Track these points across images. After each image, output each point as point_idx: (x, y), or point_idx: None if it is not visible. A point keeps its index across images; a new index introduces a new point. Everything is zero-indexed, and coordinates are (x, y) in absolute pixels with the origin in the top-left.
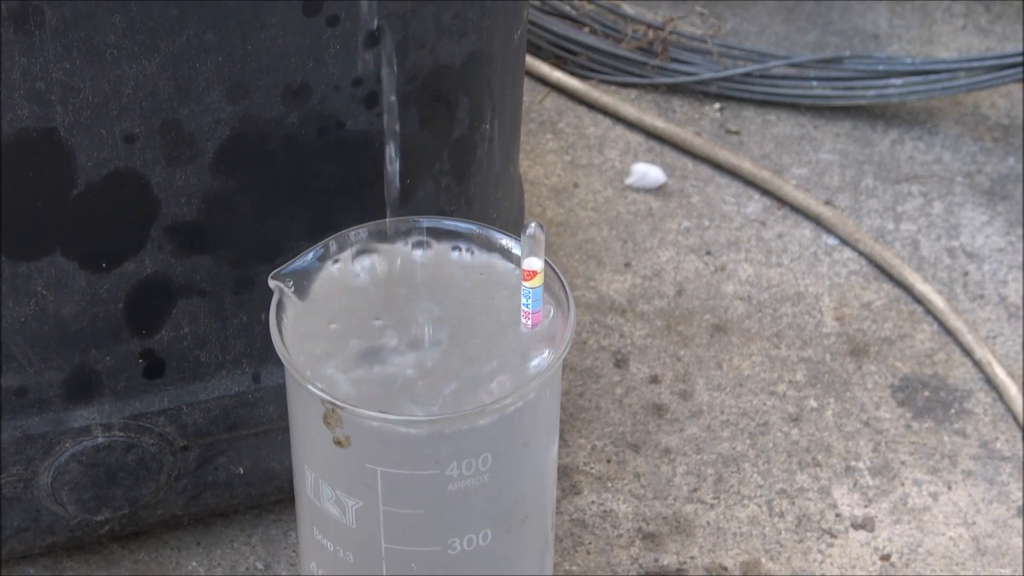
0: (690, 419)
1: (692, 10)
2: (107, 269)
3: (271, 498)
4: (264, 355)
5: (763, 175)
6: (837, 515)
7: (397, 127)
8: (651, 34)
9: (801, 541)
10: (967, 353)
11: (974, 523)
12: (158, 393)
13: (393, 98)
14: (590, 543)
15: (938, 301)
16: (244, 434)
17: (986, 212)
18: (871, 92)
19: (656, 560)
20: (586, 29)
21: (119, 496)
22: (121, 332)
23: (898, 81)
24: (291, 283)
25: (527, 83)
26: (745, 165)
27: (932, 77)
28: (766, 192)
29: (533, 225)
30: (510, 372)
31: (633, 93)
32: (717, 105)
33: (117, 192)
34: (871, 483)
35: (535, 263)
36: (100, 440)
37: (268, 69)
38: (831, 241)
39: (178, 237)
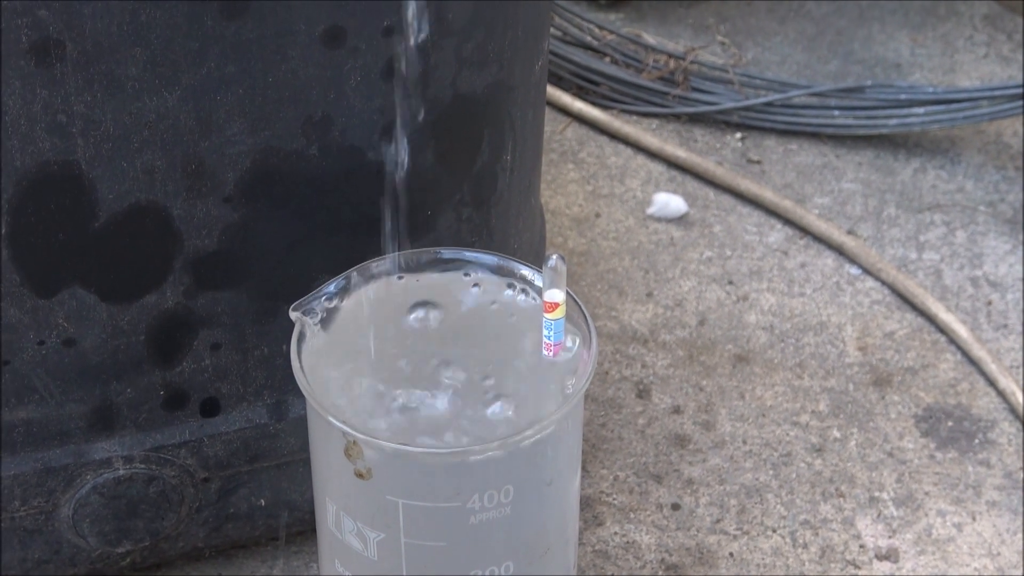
0: (713, 449)
1: (713, 40)
2: (128, 301)
3: (292, 530)
4: (285, 387)
5: (785, 204)
6: (861, 546)
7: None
8: (672, 64)
9: (825, 572)
10: (991, 383)
11: (999, 554)
12: (179, 425)
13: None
14: (613, 574)
15: (961, 331)
16: (265, 466)
17: (1009, 241)
18: (893, 121)
19: None
20: (607, 59)
21: (140, 528)
22: (142, 364)
23: (920, 110)
24: (312, 315)
25: (549, 113)
26: (767, 194)
27: (954, 106)
28: (788, 222)
29: (555, 257)
30: (532, 403)
31: (655, 123)
32: (739, 134)
33: (138, 224)
34: (895, 514)
35: (556, 295)
36: (121, 472)
37: (289, 101)
38: (854, 271)
39: (199, 269)
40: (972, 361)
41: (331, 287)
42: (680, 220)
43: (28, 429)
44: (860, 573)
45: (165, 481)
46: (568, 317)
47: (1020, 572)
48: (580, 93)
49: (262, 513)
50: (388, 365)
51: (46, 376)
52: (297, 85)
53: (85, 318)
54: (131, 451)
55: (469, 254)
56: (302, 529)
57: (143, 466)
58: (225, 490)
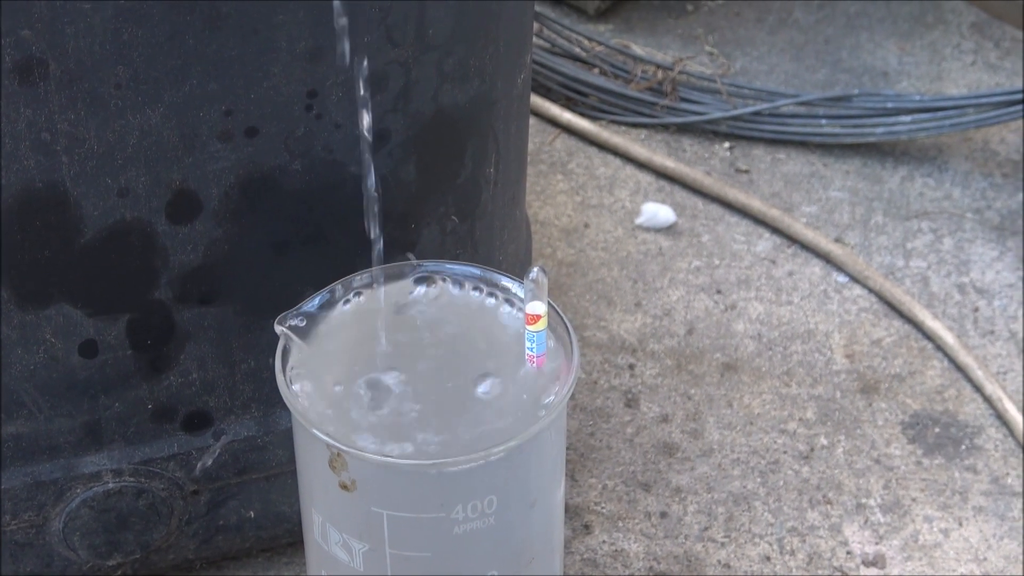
0: (701, 458)
1: (701, 50)
2: (115, 317)
3: (282, 541)
4: (272, 400)
5: (773, 213)
6: (848, 553)
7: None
8: (660, 74)
9: None
10: (977, 389)
11: (985, 559)
12: (168, 438)
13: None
14: None
15: (948, 338)
16: (254, 478)
17: (996, 248)
18: (880, 129)
19: None
20: (596, 70)
21: (131, 541)
22: (130, 379)
23: (907, 118)
24: (297, 328)
25: (537, 124)
26: (755, 204)
27: (941, 114)
28: (776, 230)
29: (536, 270)
30: (515, 414)
31: (643, 133)
32: (727, 144)
33: (123, 241)
34: (882, 520)
35: (538, 307)
36: (111, 485)
37: (272, 117)
38: (841, 279)
39: (185, 284)
40: (959, 368)
41: (315, 300)
42: (669, 230)
43: (17, 444)
44: None
45: (154, 494)
46: (550, 328)
47: None
48: (569, 104)
49: (252, 525)
50: (371, 377)
51: (34, 391)
52: (279, 101)
53: (72, 333)
54: (120, 464)
55: (451, 266)
56: (292, 541)
57: (132, 479)
58: (214, 502)
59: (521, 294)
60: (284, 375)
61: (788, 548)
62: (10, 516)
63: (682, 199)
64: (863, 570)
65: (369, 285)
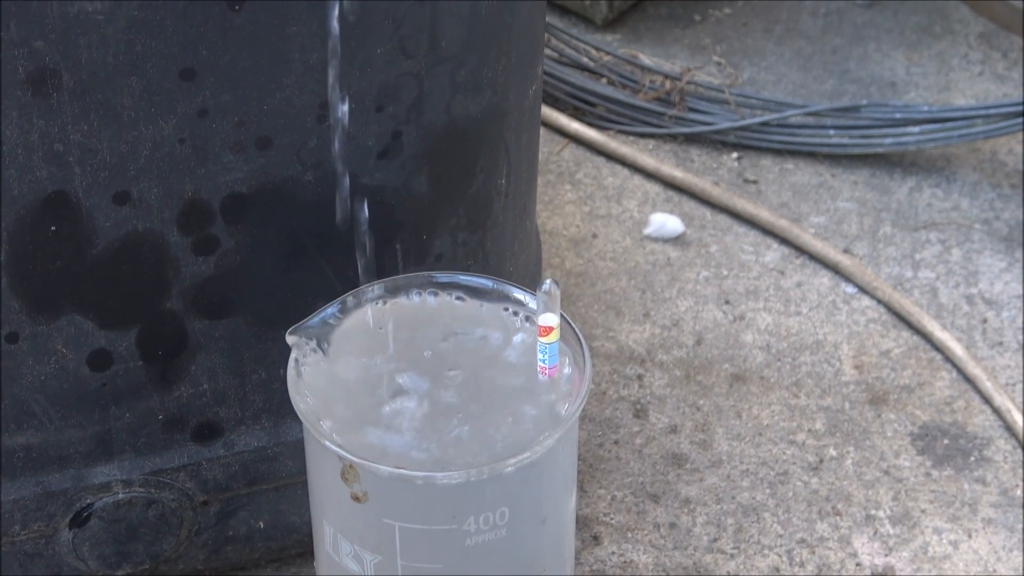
0: (710, 469)
1: (709, 60)
2: (126, 328)
3: (292, 552)
4: (283, 410)
5: (781, 224)
6: (857, 564)
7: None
8: (668, 84)
9: None
10: (986, 401)
11: (995, 571)
12: (178, 449)
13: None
14: None
15: (957, 349)
16: (264, 489)
17: (1005, 259)
18: (888, 140)
19: None
20: (604, 80)
21: (140, 551)
22: (141, 389)
23: (915, 129)
24: (309, 339)
25: (546, 134)
26: (763, 214)
27: (949, 124)
28: (784, 241)
29: (548, 282)
30: (527, 426)
31: (651, 143)
32: (735, 154)
33: (135, 252)
34: (891, 532)
35: (551, 319)
36: (120, 496)
37: (284, 128)
38: (849, 289)
39: (196, 295)
40: (968, 379)
41: (328, 311)
42: (677, 240)
43: (28, 454)
44: None
45: (164, 504)
46: (563, 339)
47: None
48: (577, 114)
49: (261, 535)
50: (384, 388)
51: (45, 401)
52: (292, 113)
53: (83, 344)
54: (130, 475)
55: (464, 278)
56: (301, 551)
57: (142, 490)
58: (224, 513)
59: (533, 305)
60: (296, 385)
61: (797, 560)
62: (20, 526)
63: (690, 209)
64: None
65: (381, 296)
